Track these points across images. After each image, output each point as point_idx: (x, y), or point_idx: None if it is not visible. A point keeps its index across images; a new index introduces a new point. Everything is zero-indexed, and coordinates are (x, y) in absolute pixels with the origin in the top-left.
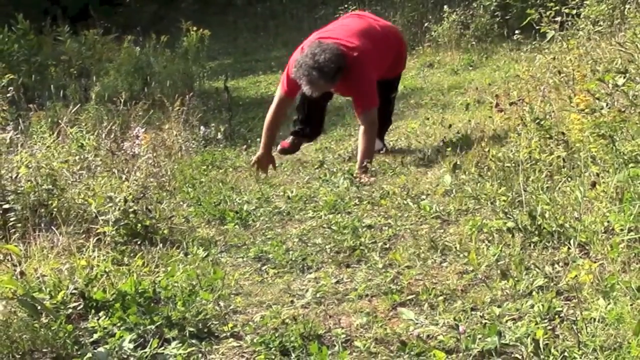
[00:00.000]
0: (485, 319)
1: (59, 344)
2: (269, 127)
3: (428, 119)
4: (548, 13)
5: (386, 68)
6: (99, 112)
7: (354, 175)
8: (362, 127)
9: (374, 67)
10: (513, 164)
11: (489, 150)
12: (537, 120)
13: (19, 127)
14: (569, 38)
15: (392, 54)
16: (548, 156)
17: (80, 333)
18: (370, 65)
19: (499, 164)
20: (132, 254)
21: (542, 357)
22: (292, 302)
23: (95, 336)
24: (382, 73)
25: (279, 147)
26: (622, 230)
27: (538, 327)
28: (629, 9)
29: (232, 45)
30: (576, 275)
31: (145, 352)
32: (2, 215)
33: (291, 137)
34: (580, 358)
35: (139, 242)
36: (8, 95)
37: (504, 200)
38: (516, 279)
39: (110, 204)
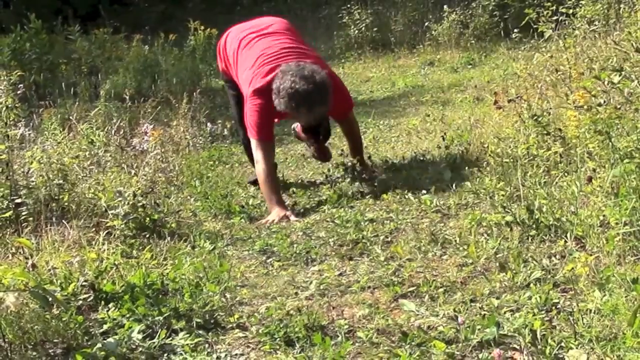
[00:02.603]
0: (484, 310)
1: (70, 335)
2: (273, 180)
3: (429, 115)
4: (545, 13)
5: None
6: (109, 109)
7: (361, 171)
8: (350, 126)
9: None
10: (511, 160)
11: (488, 146)
12: (535, 117)
13: (31, 124)
14: (565, 37)
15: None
16: (545, 152)
17: (90, 324)
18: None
19: (497, 159)
20: (140, 247)
21: (539, 347)
22: (296, 293)
23: (105, 327)
24: None
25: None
26: (617, 224)
27: (535, 318)
28: (624, 8)
29: None
30: (573, 268)
31: (154, 343)
32: (14, 209)
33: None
34: (577, 348)
35: (147, 236)
36: (19, 92)
37: (503, 195)
38: (514, 271)
39: (120, 199)
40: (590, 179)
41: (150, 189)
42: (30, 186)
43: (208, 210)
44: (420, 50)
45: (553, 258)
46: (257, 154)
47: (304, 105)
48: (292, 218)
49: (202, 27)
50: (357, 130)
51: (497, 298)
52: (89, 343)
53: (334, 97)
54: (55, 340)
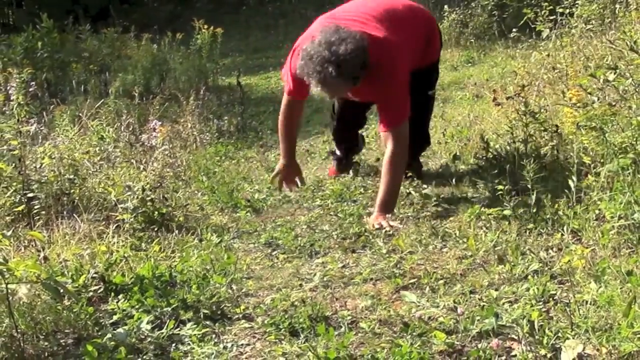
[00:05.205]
0: (483, 302)
1: (81, 325)
2: (284, 131)
3: None
4: (543, 12)
5: (417, 58)
6: (118, 106)
7: (372, 224)
8: (388, 150)
9: (406, 63)
10: (510, 155)
11: (487, 142)
12: (533, 114)
13: (43, 120)
14: (562, 36)
15: (422, 37)
16: (543, 147)
17: (100, 315)
18: (402, 61)
19: (496, 154)
20: (149, 240)
21: (536, 337)
22: (300, 285)
23: (115, 318)
24: (412, 65)
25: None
26: (612, 217)
27: (533, 309)
28: (619, 8)
29: (244, 43)
30: (569, 260)
31: (162, 333)
32: (26, 204)
33: (334, 161)
34: (573, 338)
35: (156, 229)
36: (31, 90)
37: (501, 189)
38: (512, 263)
39: (129, 193)
40: (586, 174)
41: (158, 184)
42: (42, 181)
43: (215, 204)
44: None
45: (550, 251)
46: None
47: (313, 75)
48: (279, 171)
49: (206, 26)
50: (394, 161)
51: (496, 289)
52: (99, 333)
53: (378, 88)
54: (66, 331)
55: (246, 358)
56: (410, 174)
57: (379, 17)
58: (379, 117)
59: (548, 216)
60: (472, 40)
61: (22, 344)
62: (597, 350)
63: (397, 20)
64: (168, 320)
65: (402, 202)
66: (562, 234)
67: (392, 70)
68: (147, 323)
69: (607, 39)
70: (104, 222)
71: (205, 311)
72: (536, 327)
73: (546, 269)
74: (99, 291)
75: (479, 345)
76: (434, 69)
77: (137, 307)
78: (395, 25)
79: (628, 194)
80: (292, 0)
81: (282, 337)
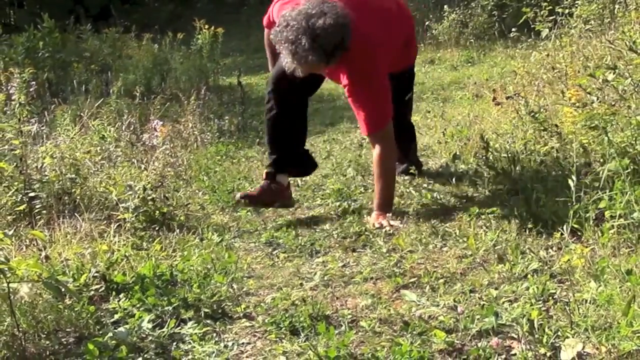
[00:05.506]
0: (483, 301)
1: (82, 324)
2: (267, 47)
3: (429, 112)
4: (542, 12)
5: (396, 60)
6: (119, 105)
7: (372, 224)
8: (376, 153)
9: (384, 64)
10: (509, 154)
11: (487, 141)
12: (532, 113)
13: (44, 120)
14: (562, 36)
15: (402, 38)
16: (542, 147)
17: (101, 314)
18: (381, 59)
19: (496, 154)
20: (150, 239)
21: (536, 336)
22: (301, 284)
23: (116, 316)
24: (390, 68)
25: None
26: (612, 217)
27: (533, 308)
28: (618, 8)
29: (245, 43)
30: (569, 259)
31: (163, 332)
32: (28, 203)
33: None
34: (573, 337)
35: (157, 228)
36: (32, 89)
37: (501, 189)
38: (512, 262)
39: (130, 192)
40: (585, 173)
41: (159, 183)
42: (44, 180)
43: (215, 203)
44: (421, 49)
45: (550, 250)
46: None
47: (286, 45)
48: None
49: (207, 26)
50: (382, 162)
51: (496, 289)
52: (101, 332)
53: (355, 82)
54: (67, 330)
55: (247, 357)
56: (412, 170)
57: (367, 8)
58: (359, 121)
59: (548, 215)
60: (472, 40)
61: (23, 343)
62: (597, 349)
63: (384, 17)
64: (169, 319)
65: (402, 202)
66: (562, 233)
67: (369, 67)
68: (148, 322)
69: (607, 39)
70: (105, 222)
71: (206, 310)
72: (536, 326)
73: (546, 268)
74: (100, 290)
75: (479, 344)
76: (410, 72)
77: (138, 306)
78: (381, 22)
79: (627, 194)
80: None
81: (283, 336)
